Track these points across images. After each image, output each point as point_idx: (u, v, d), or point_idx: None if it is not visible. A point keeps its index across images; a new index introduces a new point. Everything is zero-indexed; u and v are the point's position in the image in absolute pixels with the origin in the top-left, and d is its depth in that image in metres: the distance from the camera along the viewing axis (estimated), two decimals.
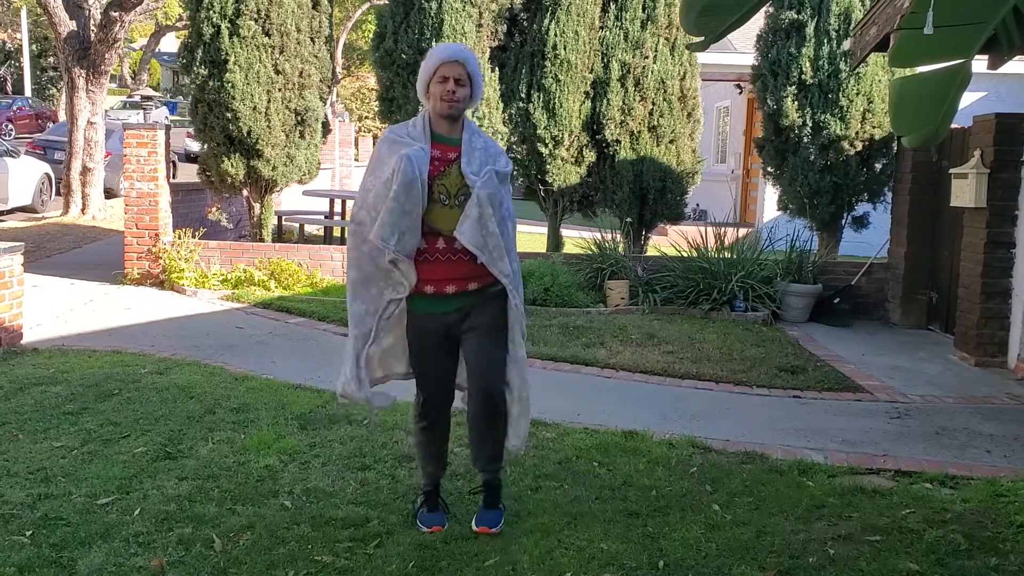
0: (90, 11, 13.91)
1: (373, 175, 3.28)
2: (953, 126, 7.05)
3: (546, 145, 9.33)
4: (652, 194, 9.35)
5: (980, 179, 6.79)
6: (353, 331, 3.32)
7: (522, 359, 3.36)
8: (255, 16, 8.88)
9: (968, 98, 5.18)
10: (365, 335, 3.30)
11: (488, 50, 9.36)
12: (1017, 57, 3.36)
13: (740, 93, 15.94)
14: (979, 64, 3.10)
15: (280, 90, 9.08)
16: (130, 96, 33.21)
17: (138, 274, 8.95)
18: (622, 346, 6.82)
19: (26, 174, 14.66)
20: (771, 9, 9.00)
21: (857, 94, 8.61)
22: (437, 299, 3.29)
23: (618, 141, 9.36)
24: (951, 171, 7.27)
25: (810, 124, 8.70)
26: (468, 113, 3.40)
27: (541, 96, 9.28)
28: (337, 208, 11.78)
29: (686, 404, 5.51)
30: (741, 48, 13.49)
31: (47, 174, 15.41)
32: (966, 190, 6.91)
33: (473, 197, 3.17)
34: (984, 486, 4.09)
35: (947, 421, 5.31)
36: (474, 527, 3.42)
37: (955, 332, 7.31)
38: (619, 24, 9.35)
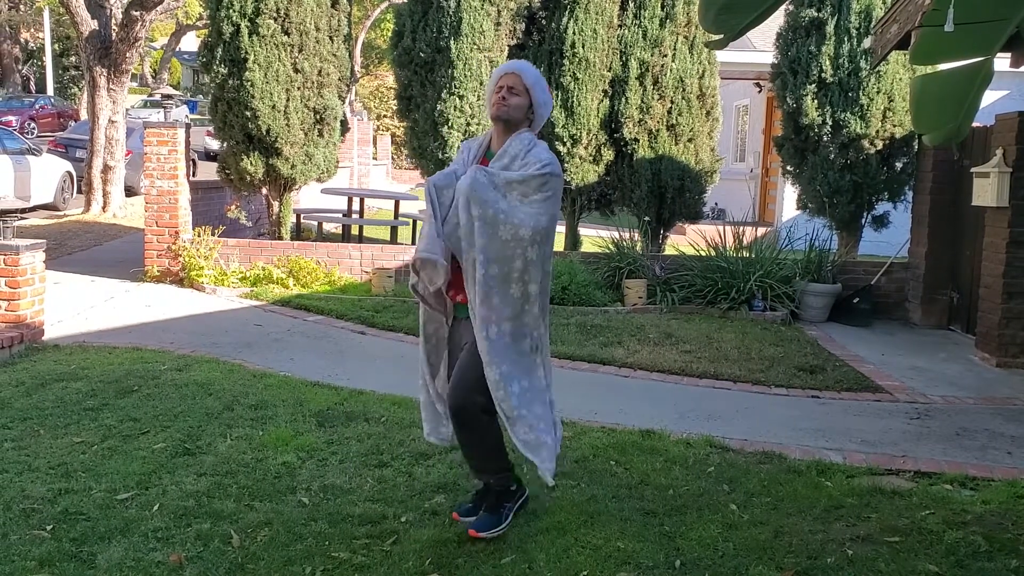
0: (111, 10, 14.03)
1: None
2: (975, 124, 7.00)
3: (564, 143, 9.31)
4: (670, 193, 9.32)
5: (1002, 178, 6.73)
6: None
7: (494, 381, 3.17)
8: (274, 15, 8.92)
9: (990, 96, 5.13)
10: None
11: (507, 48, 9.35)
12: None
13: (759, 91, 15.85)
14: (1001, 62, 3.07)
15: (299, 88, 9.12)
16: (151, 95, 33.41)
17: (158, 271, 9.01)
18: (640, 345, 6.81)
19: (48, 172, 14.82)
20: (791, 7, 8.94)
21: (878, 92, 8.54)
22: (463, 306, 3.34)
23: (636, 140, 9.34)
24: (972, 170, 7.20)
25: (830, 123, 8.65)
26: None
27: (559, 94, 9.26)
28: (355, 206, 11.81)
29: (704, 403, 5.49)
30: (760, 46, 13.43)
31: (69, 172, 15.58)
32: (988, 189, 6.85)
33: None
34: (1005, 487, 4.06)
35: (967, 422, 5.27)
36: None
37: (976, 332, 7.25)
38: (638, 22, 9.33)
